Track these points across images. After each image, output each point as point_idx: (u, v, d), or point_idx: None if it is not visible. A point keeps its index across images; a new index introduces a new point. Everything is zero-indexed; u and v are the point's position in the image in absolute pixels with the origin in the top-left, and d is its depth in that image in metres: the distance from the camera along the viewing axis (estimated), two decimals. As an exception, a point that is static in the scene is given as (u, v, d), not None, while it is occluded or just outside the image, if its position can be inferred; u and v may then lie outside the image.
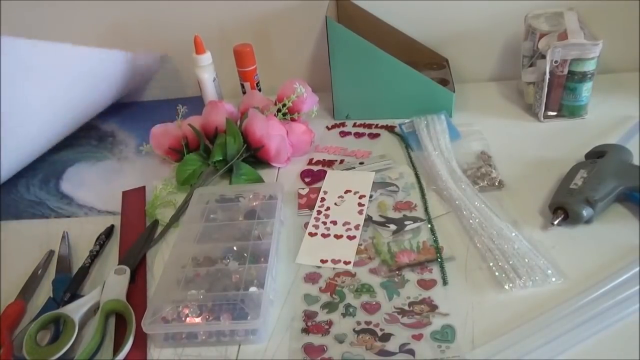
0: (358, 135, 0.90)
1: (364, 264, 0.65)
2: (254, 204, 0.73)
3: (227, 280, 0.62)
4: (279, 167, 0.85)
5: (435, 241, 0.67)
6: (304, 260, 0.67)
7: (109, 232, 0.74)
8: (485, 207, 0.69)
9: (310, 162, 0.85)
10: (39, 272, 0.69)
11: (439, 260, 0.64)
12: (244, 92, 0.95)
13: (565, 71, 0.82)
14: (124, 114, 1.07)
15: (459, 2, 0.95)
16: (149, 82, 1.09)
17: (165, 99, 1.10)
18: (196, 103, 0.96)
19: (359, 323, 0.58)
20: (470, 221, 0.67)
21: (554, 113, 0.87)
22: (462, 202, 0.70)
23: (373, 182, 0.77)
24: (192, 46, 0.89)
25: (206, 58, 0.90)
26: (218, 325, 0.57)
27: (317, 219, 0.72)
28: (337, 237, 0.69)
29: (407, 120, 0.88)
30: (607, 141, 0.76)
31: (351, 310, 0.59)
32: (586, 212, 0.65)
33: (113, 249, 0.73)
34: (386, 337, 0.56)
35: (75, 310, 0.60)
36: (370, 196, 0.75)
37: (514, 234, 0.65)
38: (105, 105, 1.01)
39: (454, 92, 0.89)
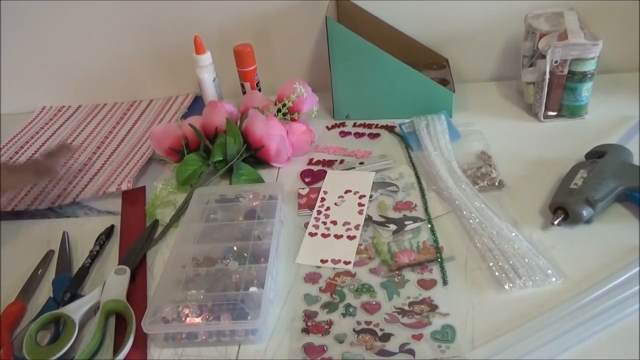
0: (358, 135, 0.90)
1: (364, 264, 0.65)
2: (254, 204, 0.73)
3: (227, 280, 0.62)
4: (279, 167, 0.85)
5: (435, 241, 0.67)
6: (304, 260, 0.67)
7: (109, 232, 0.74)
8: (485, 207, 0.69)
9: (310, 162, 0.85)
10: (39, 272, 0.69)
11: (439, 260, 0.64)
12: (244, 92, 0.95)
13: (565, 71, 0.82)
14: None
15: (459, 2, 0.94)
16: None
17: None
18: (196, 103, 0.96)
19: (359, 323, 0.58)
20: (470, 221, 0.67)
21: (554, 113, 0.87)
22: (462, 202, 0.70)
23: (373, 182, 0.77)
24: (192, 46, 0.89)
25: (206, 58, 0.90)
26: (218, 325, 0.57)
27: (317, 219, 0.72)
28: (337, 237, 0.69)
29: (407, 120, 0.88)
30: (607, 141, 0.76)
31: (351, 310, 0.59)
32: (586, 212, 0.65)
33: (113, 249, 0.73)
34: (386, 337, 0.56)
35: (76, 310, 0.60)
36: (370, 196, 0.75)
37: (514, 234, 0.65)
38: None
39: (454, 92, 0.89)
